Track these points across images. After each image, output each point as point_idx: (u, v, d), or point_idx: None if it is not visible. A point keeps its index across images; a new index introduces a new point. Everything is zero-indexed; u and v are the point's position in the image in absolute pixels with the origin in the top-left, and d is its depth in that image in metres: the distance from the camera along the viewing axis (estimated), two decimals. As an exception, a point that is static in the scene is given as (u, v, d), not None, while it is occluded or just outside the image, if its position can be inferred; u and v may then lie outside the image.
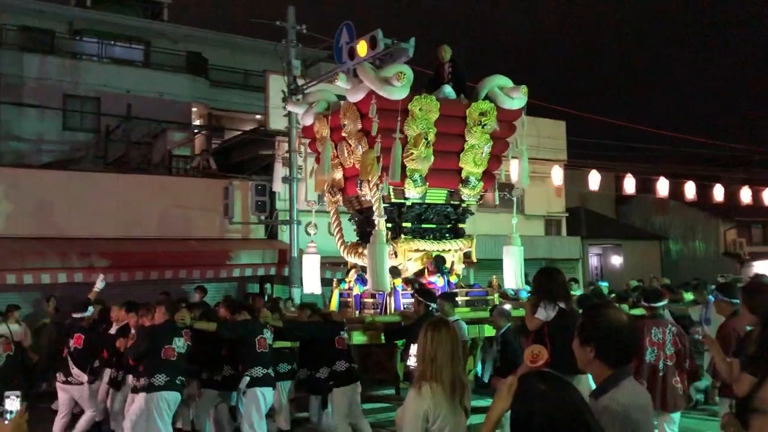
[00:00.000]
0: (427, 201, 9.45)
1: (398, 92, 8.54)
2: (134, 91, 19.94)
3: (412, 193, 9.14)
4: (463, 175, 9.42)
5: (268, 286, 15.17)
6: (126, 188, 14.28)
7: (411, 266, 9.29)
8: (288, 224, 13.45)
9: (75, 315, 7.84)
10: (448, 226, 9.72)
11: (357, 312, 9.34)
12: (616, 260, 25.13)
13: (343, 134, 9.28)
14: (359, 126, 8.95)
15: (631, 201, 25.72)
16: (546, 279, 4.94)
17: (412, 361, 3.87)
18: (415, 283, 8.70)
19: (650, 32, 70.42)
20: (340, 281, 10.16)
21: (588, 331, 2.72)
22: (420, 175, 9.00)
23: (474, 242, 9.85)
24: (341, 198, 9.96)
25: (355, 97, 8.87)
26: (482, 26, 63.37)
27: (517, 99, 9.42)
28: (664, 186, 18.29)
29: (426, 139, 8.76)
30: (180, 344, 6.66)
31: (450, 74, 9.62)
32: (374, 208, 9.00)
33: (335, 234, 10.26)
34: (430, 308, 6.89)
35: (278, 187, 12.05)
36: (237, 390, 7.14)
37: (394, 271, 8.80)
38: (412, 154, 8.78)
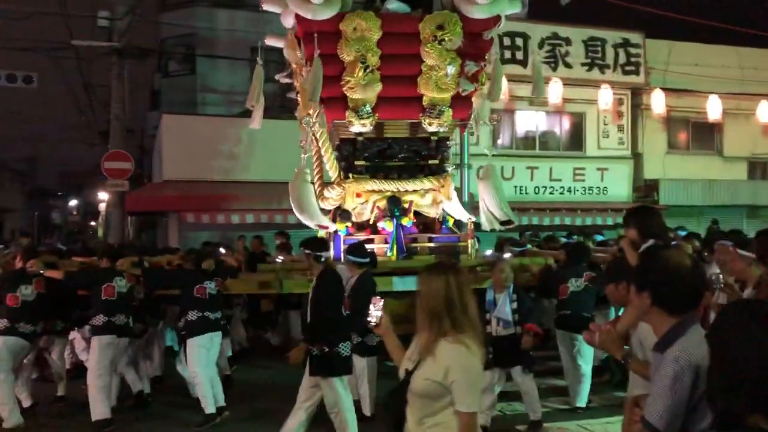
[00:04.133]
0: (389, 135, 8.22)
1: (319, 11, 7.44)
2: (314, 40, 20.68)
3: (361, 127, 7.93)
4: (425, 102, 7.99)
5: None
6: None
7: (369, 209, 8.17)
8: (459, 168, 13.35)
9: None
10: (419, 162, 8.36)
11: None
12: (837, 208, 22.07)
13: (293, 64, 8.68)
14: (298, 53, 8.24)
15: None
16: (647, 216, 4.63)
17: (374, 318, 3.17)
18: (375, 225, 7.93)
19: None
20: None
21: (643, 276, 2.51)
22: (367, 106, 7.78)
23: (449, 180, 8.37)
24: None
25: (287, 21, 8.02)
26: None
27: (484, 5, 7.71)
28: None
29: (363, 63, 7.57)
30: (27, 292, 6.75)
31: None
32: (319, 144, 8.19)
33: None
34: (322, 259, 5.78)
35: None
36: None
37: (344, 215, 7.84)
38: (349, 82, 7.61)
